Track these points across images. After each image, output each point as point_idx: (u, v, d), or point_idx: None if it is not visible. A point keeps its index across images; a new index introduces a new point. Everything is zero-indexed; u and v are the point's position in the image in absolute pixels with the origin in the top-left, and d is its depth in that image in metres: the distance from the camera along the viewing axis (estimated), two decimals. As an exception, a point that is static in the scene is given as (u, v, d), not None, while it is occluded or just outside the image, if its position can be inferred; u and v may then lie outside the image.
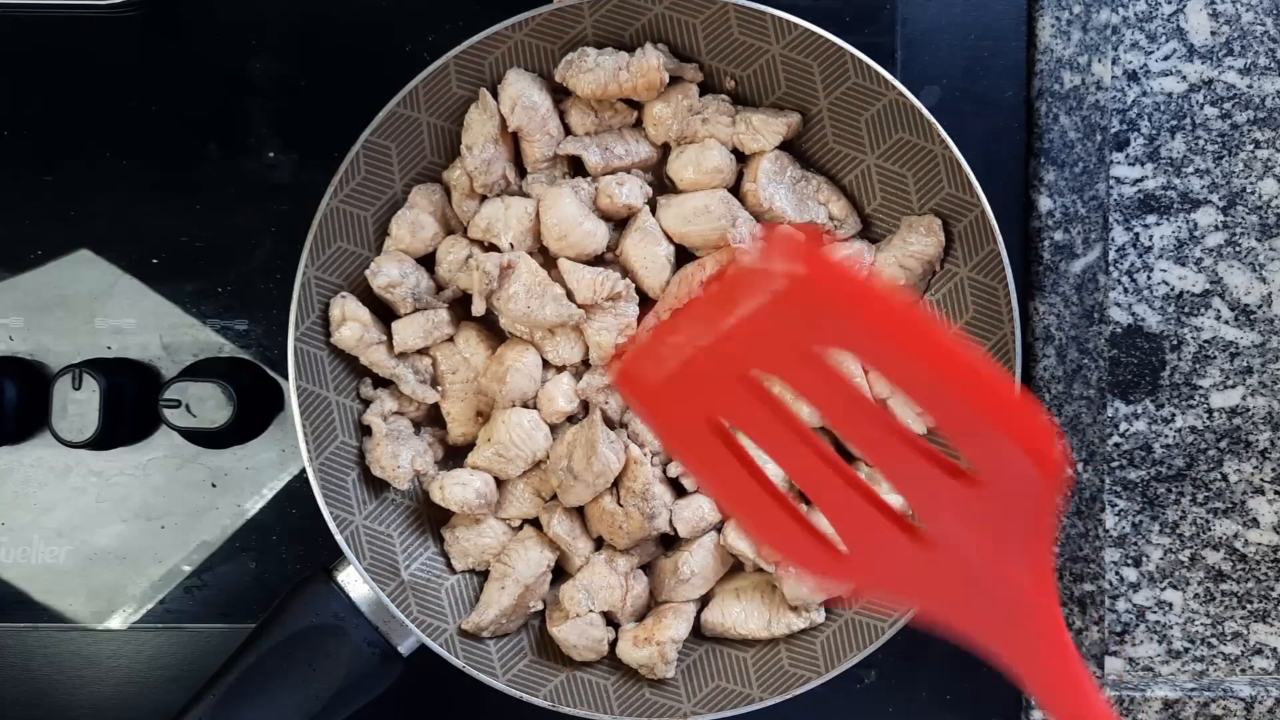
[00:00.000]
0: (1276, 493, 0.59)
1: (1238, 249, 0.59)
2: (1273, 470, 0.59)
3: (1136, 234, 0.59)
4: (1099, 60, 0.59)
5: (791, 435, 0.37)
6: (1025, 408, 0.34)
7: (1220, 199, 0.59)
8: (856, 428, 0.36)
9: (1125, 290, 0.59)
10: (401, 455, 0.53)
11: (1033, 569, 0.36)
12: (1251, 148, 0.59)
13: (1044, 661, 0.37)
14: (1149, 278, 0.59)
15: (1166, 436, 0.59)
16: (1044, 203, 0.59)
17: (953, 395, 0.34)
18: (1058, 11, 0.58)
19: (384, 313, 0.55)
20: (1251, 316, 0.59)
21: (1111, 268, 0.59)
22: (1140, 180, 0.59)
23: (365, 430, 0.54)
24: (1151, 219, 0.59)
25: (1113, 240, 0.59)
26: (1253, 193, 0.59)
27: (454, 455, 0.56)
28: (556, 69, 0.54)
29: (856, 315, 0.35)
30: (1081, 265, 0.59)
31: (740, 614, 0.54)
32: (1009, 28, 0.59)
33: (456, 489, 0.53)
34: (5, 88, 0.59)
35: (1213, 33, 0.59)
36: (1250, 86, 0.59)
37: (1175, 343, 0.59)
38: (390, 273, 0.53)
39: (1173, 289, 0.59)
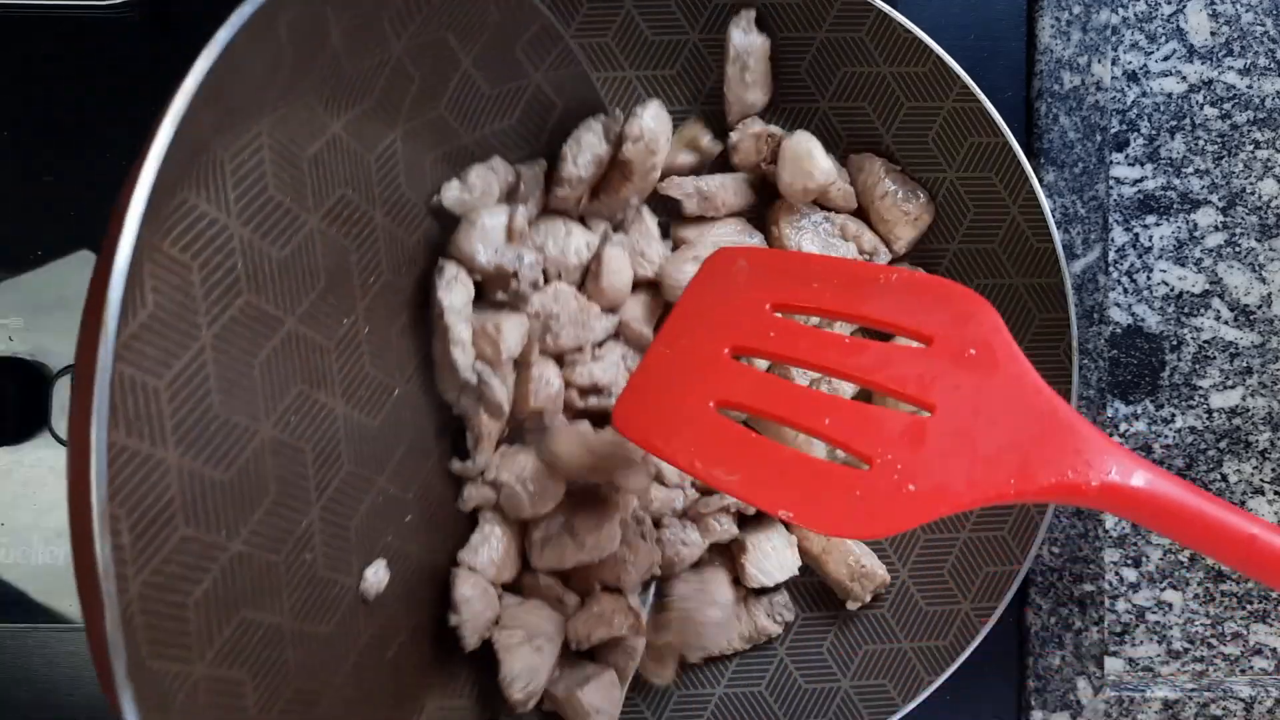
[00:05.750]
0: (1276, 493, 0.59)
1: (1237, 249, 0.59)
2: (1273, 470, 0.59)
3: (1136, 234, 0.59)
4: (1099, 60, 0.59)
5: (786, 393, 0.42)
6: (942, 281, 0.41)
7: (1220, 199, 0.59)
8: (831, 358, 0.42)
9: (1125, 290, 0.59)
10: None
11: (1018, 381, 0.39)
12: (1251, 148, 0.59)
13: (1070, 458, 0.38)
14: (1149, 278, 0.59)
15: (1166, 437, 0.59)
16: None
17: (890, 297, 0.41)
18: (1058, 11, 0.58)
19: None
20: (1251, 317, 0.59)
21: (1111, 268, 0.59)
22: (1140, 180, 0.59)
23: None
24: (1151, 219, 0.59)
25: (1112, 240, 0.59)
26: (1253, 193, 0.59)
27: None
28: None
29: (813, 279, 0.42)
30: (1081, 265, 0.59)
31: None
32: (1009, 28, 0.59)
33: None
34: (5, 88, 0.59)
35: (1212, 33, 0.59)
36: (1250, 87, 0.59)
37: (1175, 343, 0.59)
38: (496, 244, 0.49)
39: (1172, 289, 0.59)
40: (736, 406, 0.42)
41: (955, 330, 0.40)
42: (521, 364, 0.51)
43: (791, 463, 0.40)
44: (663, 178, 0.54)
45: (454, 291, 0.48)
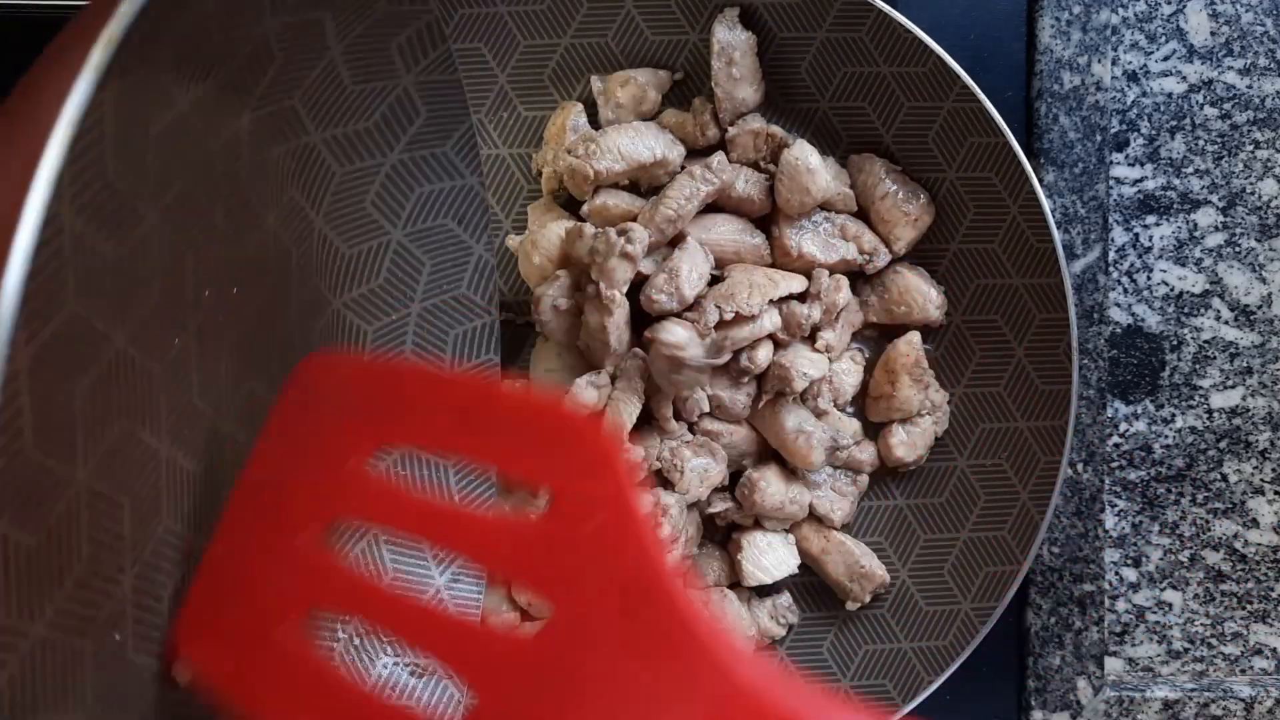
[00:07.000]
0: (1276, 493, 0.59)
1: (1237, 249, 0.59)
2: (1273, 470, 0.59)
3: (1136, 234, 0.59)
4: (1099, 60, 0.59)
5: (381, 600, 0.36)
6: (558, 410, 0.32)
7: (1220, 199, 0.59)
8: (428, 527, 0.35)
9: (1125, 290, 0.59)
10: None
11: (647, 569, 0.30)
12: (1251, 148, 0.59)
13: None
14: (1149, 278, 0.59)
15: (1166, 437, 0.59)
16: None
17: (504, 428, 0.32)
18: (1058, 11, 0.58)
19: None
20: (1251, 317, 0.59)
21: (1111, 268, 0.59)
22: (1140, 180, 0.59)
23: None
24: (1151, 219, 0.59)
25: (1112, 240, 0.59)
26: (1253, 193, 0.59)
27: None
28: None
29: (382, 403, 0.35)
30: (1081, 265, 0.59)
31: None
32: (1009, 28, 0.59)
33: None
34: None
35: (1212, 33, 0.59)
36: (1250, 87, 0.59)
37: (1175, 343, 0.59)
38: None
39: (1172, 289, 0.59)
40: (337, 611, 0.36)
41: (574, 488, 0.30)
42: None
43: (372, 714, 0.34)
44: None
45: None
